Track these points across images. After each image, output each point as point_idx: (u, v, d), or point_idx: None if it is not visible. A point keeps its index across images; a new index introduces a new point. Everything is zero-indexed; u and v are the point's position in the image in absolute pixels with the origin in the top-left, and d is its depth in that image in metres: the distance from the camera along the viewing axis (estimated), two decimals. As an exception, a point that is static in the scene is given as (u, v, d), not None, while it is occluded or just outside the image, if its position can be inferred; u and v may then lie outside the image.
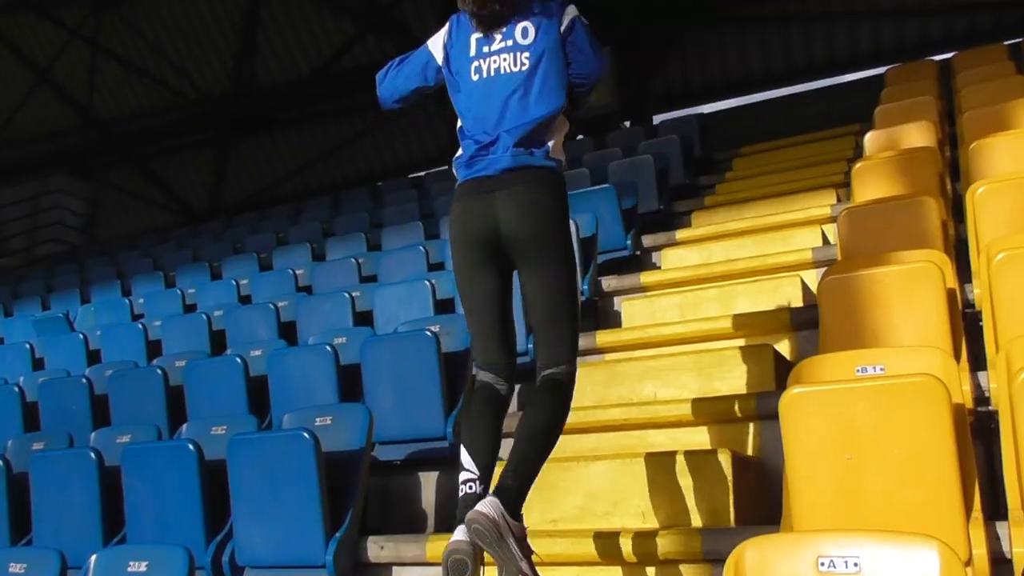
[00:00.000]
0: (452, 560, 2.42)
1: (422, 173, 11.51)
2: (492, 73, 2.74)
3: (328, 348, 4.50)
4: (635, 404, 3.78)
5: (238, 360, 4.80)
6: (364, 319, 5.53)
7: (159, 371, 4.99)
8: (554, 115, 2.72)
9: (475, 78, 2.76)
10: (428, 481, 4.17)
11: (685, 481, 3.17)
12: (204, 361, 5.00)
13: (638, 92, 11.98)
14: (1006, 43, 8.03)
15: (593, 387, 4.11)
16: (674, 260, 5.90)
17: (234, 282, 7.12)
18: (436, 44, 2.85)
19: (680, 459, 3.22)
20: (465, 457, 2.56)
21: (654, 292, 5.29)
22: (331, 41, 13.58)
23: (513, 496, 2.46)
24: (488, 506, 2.41)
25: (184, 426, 4.43)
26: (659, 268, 6.03)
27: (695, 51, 12.37)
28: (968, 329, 3.55)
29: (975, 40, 10.71)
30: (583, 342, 4.51)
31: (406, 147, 14.86)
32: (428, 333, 4.21)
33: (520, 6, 2.75)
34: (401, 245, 6.87)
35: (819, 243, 5.58)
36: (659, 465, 3.22)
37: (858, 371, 2.88)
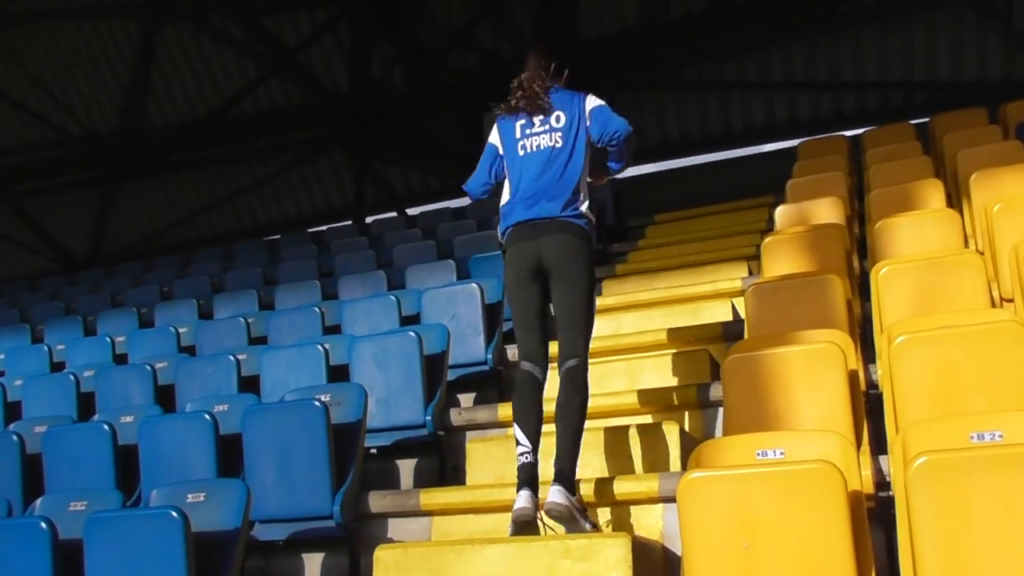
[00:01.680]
0: (520, 521, 3.48)
1: (323, 228, 11.46)
2: (534, 149, 3.91)
3: (207, 416, 4.38)
4: (535, 484, 3.82)
5: (106, 427, 4.61)
6: (250, 385, 5.38)
7: (15, 437, 4.75)
8: (581, 178, 3.86)
9: (521, 153, 3.93)
10: (312, 563, 4.07)
11: (583, 567, 3.17)
12: (68, 427, 4.79)
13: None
14: (913, 122, 8.51)
15: (492, 463, 4.16)
16: (551, 388, 5.91)
17: (109, 339, 6.87)
18: (495, 138, 4.04)
19: (577, 544, 3.22)
20: (519, 433, 3.65)
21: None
22: (231, 82, 13.50)
23: (569, 479, 3.54)
24: (557, 495, 3.48)
25: (39, 501, 4.21)
26: None
27: (612, 113, 12.79)
28: (871, 411, 3.69)
29: (887, 117, 11.37)
30: (485, 413, 4.84)
31: (308, 198, 14.79)
32: (317, 403, 4.13)
33: (555, 102, 3.97)
34: (296, 305, 6.80)
35: (729, 316, 5.76)
36: (557, 551, 3.24)
37: (758, 455, 2.96)
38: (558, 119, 3.94)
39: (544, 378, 3.82)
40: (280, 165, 14.24)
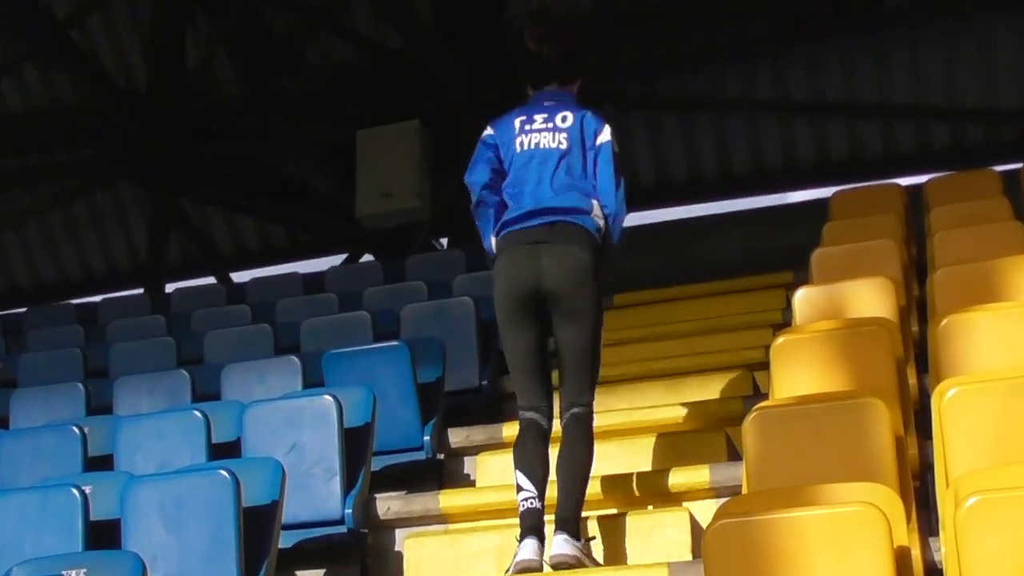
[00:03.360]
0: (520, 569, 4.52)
1: (96, 298, 11.32)
2: (533, 147, 4.94)
3: None
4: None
5: None
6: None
7: None
8: (588, 183, 4.94)
9: (518, 150, 4.97)
10: None
11: None
12: None
13: (462, 197, 12.21)
14: (999, 168, 8.81)
15: (435, 566, 4.70)
16: (497, 474, 5.95)
17: None
18: (488, 132, 5.10)
19: None
20: (523, 479, 4.68)
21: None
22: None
23: (574, 526, 4.64)
24: (563, 545, 4.53)
25: None
26: (473, 484, 6.21)
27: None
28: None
29: (960, 159, 11.78)
30: (423, 503, 5.70)
31: (76, 252, 14.61)
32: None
33: (564, 100, 5.07)
34: (43, 422, 6.79)
35: (722, 455, 5.79)
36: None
37: None
38: (564, 119, 4.99)
39: (550, 428, 4.87)
40: (33, 200, 14.01)
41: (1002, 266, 5.85)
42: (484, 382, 7.25)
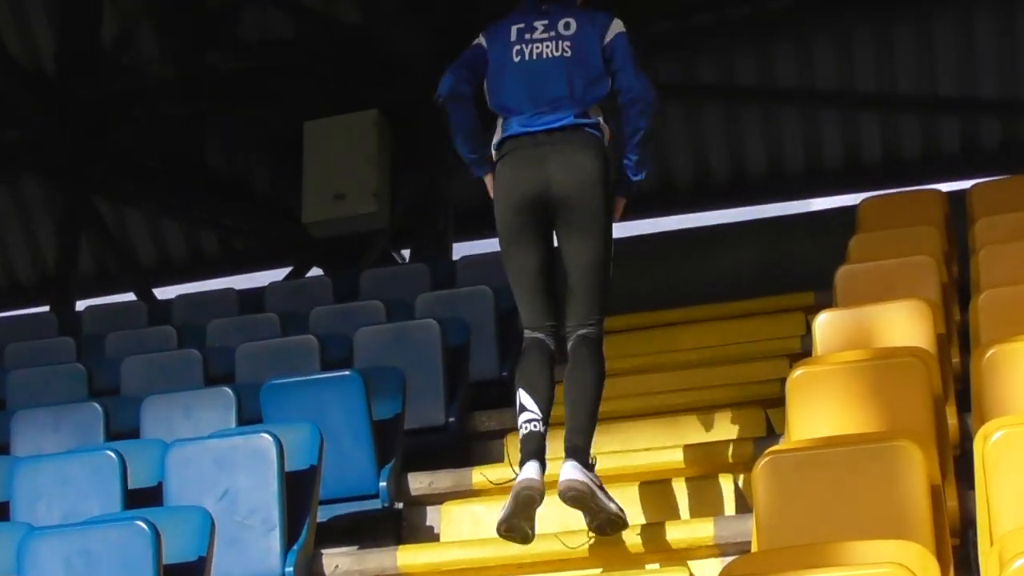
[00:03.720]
0: (524, 496, 4.92)
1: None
2: (535, 57, 5.36)
3: None
4: None
5: None
6: None
7: None
8: (596, 93, 5.37)
9: (517, 60, 5.39)
10: None
11: None
12: None
13: (426, 201, 12.32)
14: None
15: None
16: (465, 527, 5.97)
17: None
18: (480, 40, 5.54)
19: None
20: (527, 399, 5.05)
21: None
22: None
23: (584, 454, 5.04)
24: (573, 471, 4.94)
25: None
26: (436, 538, 6.24)
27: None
28: None
29: (1010, 161, 11.82)
30: (378, 560, 5.73)
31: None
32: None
33: (567, 4, 5.46)
34: None
35: (730, 508, 5.83)
36: None
37: None
38: (567, 25, 5.39)
39: (557, 350, 5.27)
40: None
41: (1058, 288, 5.91)
42: (451, 419, 7.25)
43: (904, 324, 5.91)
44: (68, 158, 12.92)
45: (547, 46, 5.35)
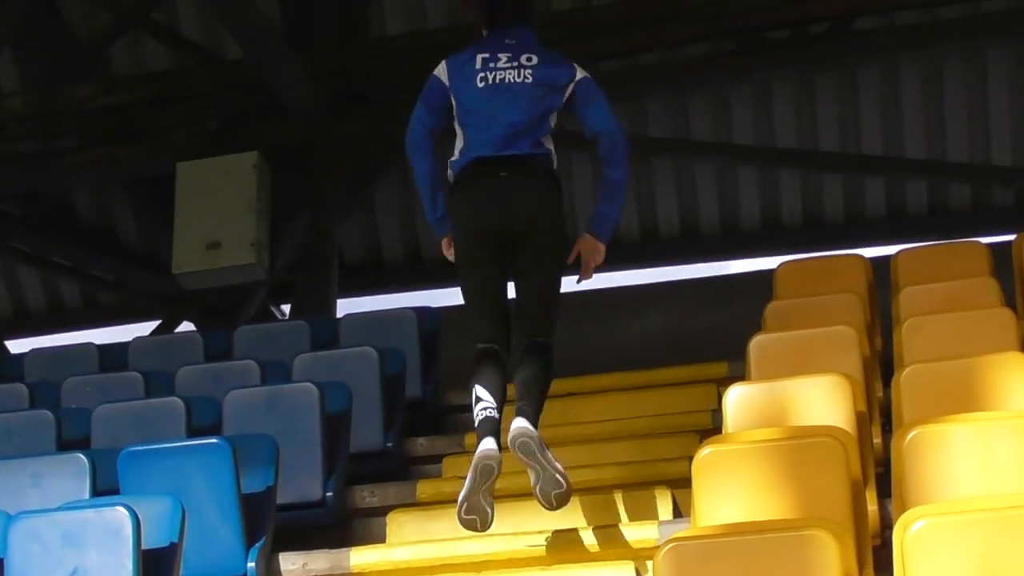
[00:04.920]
0: (482, 465, 5.71)
1: None
2: (498, 82, 6.14)
3: None
4: None
5: None
6: None
7: None
8: (550, 125, 6.21)
9: (481, 85, 6.16)
10: None
11: None
12: None
13: (310, 253, 12.25)
14: (986, 240, 8.97)
15: None
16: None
17: None
18: (440, 72, 6.29)
19: None
20: (483, 392, 5.87)
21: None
22: None
23: (533, 417, 5.80)
24: (523, 423, 5.72)
25: None
26: None
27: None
28: None
29: (938, 226, 11.98)
30: None
31: None
32: None
33: (527, 38, 6.33)
34: None
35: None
36: None
37: None
38: (529, 59, 6.23)
39: (508, 361, 6.09)
40: None
41: (986, 365, 5.93)
42: (328, 493, 7.20)
43: (822, 400, 5.92)
44: None
45: (510, 73, 6.18)
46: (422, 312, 9.52)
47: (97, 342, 10.76)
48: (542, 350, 6.05)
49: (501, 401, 5.92)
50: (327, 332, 9.67)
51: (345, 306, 12.01)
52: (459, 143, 6.23)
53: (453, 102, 6.27)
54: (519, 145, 6.08)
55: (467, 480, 5.77)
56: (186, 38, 12.73)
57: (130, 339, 10.62)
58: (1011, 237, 8.46)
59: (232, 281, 11.59)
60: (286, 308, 12.63)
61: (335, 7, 12.22)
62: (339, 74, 11.87)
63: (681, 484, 6.49)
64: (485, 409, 5.86)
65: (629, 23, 11.94)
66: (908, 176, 12.77)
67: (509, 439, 5.72)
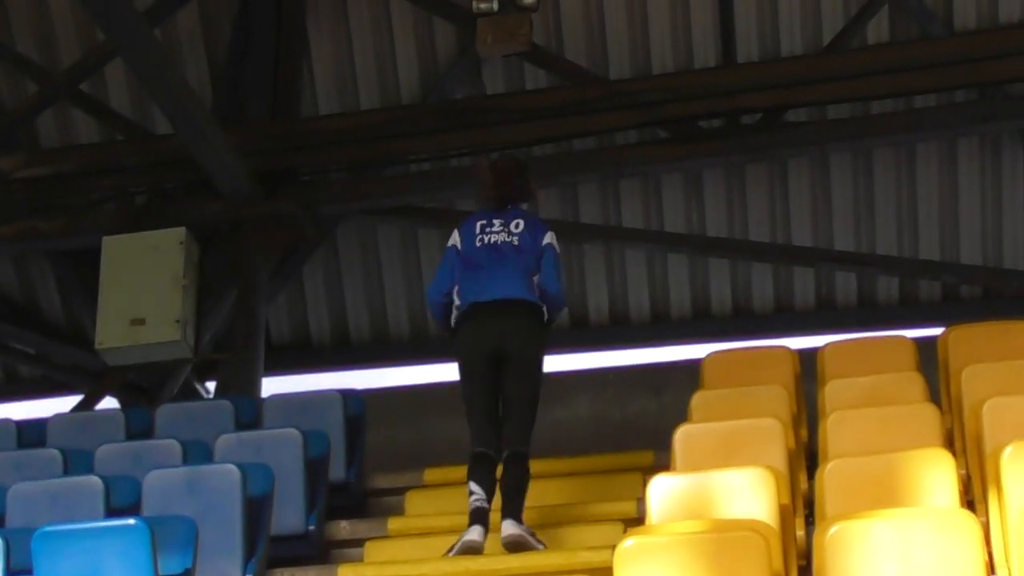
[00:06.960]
0: (467, 548, 7.38)
1: None
2: (492, 243, 8.07)
3: None
4: None
5: None
6: None
7: None
8: (534, 278, 8.03)
9: (478, 245, 8.10)
10: None
11: None
12: None
13: (236, 331, 12.18)
14: (913, 334, 9.12)
15: None
16: None
17: None
18: (455, 240, 8.23)
19: None
20: (475, 487, 7.53)
21: None
22: None
23: (519, 514, 7.56)
24: (512, 527, 7.43)
25: None
26: None
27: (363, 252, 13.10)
28: None
29: (865, 318, 12.14)
30: None
31: None
32: None
33: (516, 211, 8.31)
34: None
35: None
36: None
37: None
38: (517, 225, 8.07)
39: (499, 458, 7.59)
40: None
41: (908, 461, 6.00)
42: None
43: (746, 493, 5.96)
44: None
45: (500, 236, 8.03)
46: (347, 394, 9.54)
47: (16, 417, 10.66)
48: (521, 458, 7.57)
49: (490, 492, 7.44)
50: (251, 412, 9.64)
51: (271, 385, 11.94)
52: (460, 291, 7.97)
53: (460, 258, 8.06)
54: (510, 293, 7.83)
55: (456, 547, 7.35)
56: (115, 111, 12.70)
57: (50, 415, 10.56)
58: (938, 331, 8.58)
59: (156, 358, 11.52)
60: (211, 386, 12.55)
61: (267, 85, 12.27)
62: (269, 152, 11.87)
63: (604, 574, 6.51)
64: (477, 499, 7.41)
65: (563, 109, 12.06)
66: (837, 267, 12.86)
67: (502, 542, 7.29)
